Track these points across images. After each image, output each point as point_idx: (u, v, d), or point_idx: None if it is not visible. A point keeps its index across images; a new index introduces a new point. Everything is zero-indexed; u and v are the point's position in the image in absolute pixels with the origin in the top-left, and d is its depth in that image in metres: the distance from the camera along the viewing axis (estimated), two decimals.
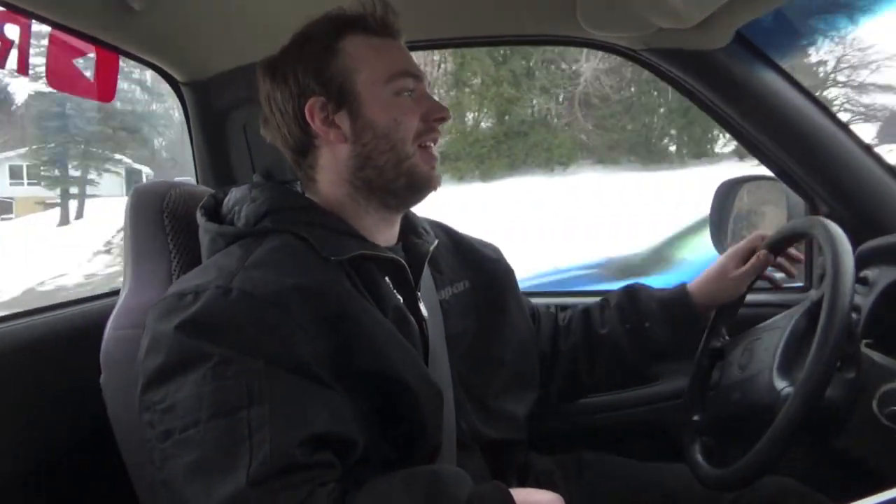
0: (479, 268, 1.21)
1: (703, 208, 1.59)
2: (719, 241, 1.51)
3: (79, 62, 1.12)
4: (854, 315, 1.20)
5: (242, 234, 0.94)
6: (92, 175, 16.81)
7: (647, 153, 16.78)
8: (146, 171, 17.14)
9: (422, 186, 1.01)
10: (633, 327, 1.21)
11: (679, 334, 1.20)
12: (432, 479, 0.80)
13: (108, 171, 17.03)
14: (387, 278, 0.99)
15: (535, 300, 1.35)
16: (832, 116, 1.30)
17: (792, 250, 1.22)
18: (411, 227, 1.12)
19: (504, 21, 1.31)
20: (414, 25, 1.04)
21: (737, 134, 1.35)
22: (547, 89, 16.67)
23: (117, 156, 16.89)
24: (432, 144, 1.02)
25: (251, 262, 0.87)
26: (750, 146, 1.35)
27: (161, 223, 1.06)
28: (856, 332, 0.96)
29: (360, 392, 0.86)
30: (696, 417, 1.12)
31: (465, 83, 16.01)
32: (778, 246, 1.18)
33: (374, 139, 0.97)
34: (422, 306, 1.04)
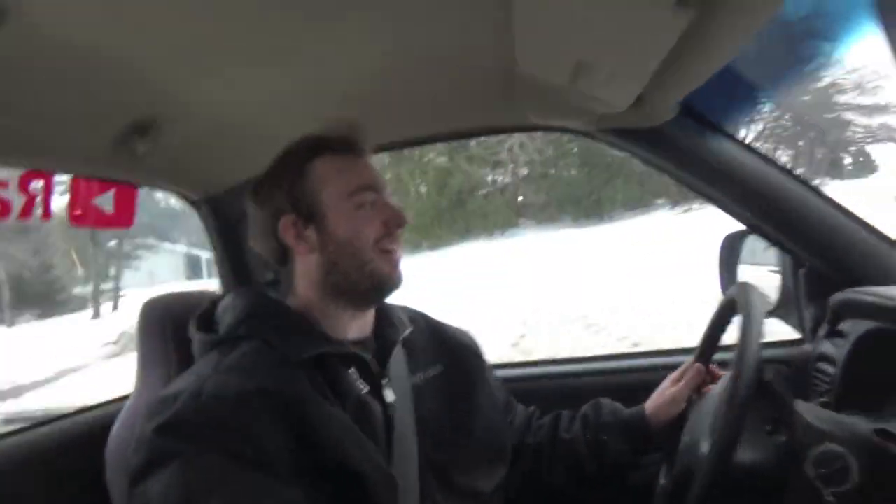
0: (451, 353, 1.31)
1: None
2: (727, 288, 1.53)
3: (98, 199, 1.33)
4: (829, 367, 1.21)
5: (219, 341, 1.08)
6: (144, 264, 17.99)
7: (579, 210, 17.45)
8: (205, 255, 18.04)
9: (384, 286, 1.14)
10: (592, 438, 1.29)
11: (634, 450, 1.27)
12: None
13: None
14: (352, 369, 1.10)
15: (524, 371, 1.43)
16: (792, 175, 1.33)
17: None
18: (385, 317, 1.24)
19: (458, 118, 1.44)
20: (378, 131, 1.19)
21: (704, 196, 1.39)
22: (476, 158, 17.33)
23: (167, 245, 18.07)
24: (393, 247, 1.14)
25: (223, 366, 1.01)
26: (721, 207, 1.39)
27: (164, 333, 1.22)
28: (786, 396, 0.98)
29: (319, 486, 0.95)
30: (662, 481, 1.16)
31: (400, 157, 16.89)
32: (705, 351, 1.24)
33: (337, 248, 1.11)
34: (386, 392, 1.13)
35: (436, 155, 17.12)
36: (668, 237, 13.16)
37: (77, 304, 18.51)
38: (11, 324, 17.35)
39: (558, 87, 1.16)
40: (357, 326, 1.17)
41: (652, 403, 1.28)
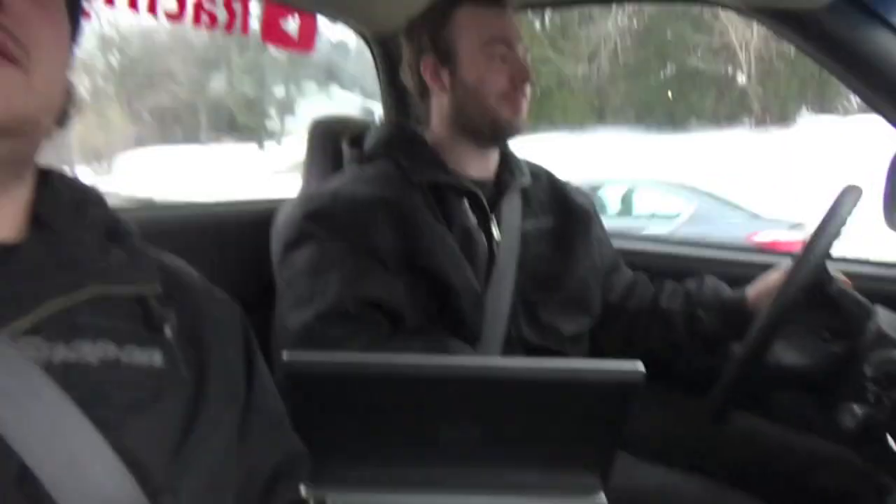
0: (565, 209, 1.43)
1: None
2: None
3: (286, 21, 1.56)
4: None
5: (361, 157, 1.32)
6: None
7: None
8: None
9: (504, 130, 1.29)
10: (688, 311, 1.35)
11: (728, 331, 1.29)
12: (443, 344, 1.13)
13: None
14: (465, 201, 1.29)
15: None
16: None
17: None
18: (507, 165, 1.39)
19: None
20: None
21: (859, 94, 1.32)
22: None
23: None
24: (521, 97, 1.27)
25: (358, 177, 1.26)
26: (872, 106, 1.32)
27: (325, 146, 1.48)
28: (859, 305, 0.99)
29: (418, 283, 1.18)
30: None
31: None
32: None
33: (465, 92, 1.27)
34: (494, 229, 1.31)
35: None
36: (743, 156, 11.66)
37: (246, 136, 20.52)
38: (206, 142, 19.96)
39: None
40: (479, 166, 1.34)
41: (754, 289, 1.30)
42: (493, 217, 1.31)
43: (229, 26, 1.41)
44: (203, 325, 0.66)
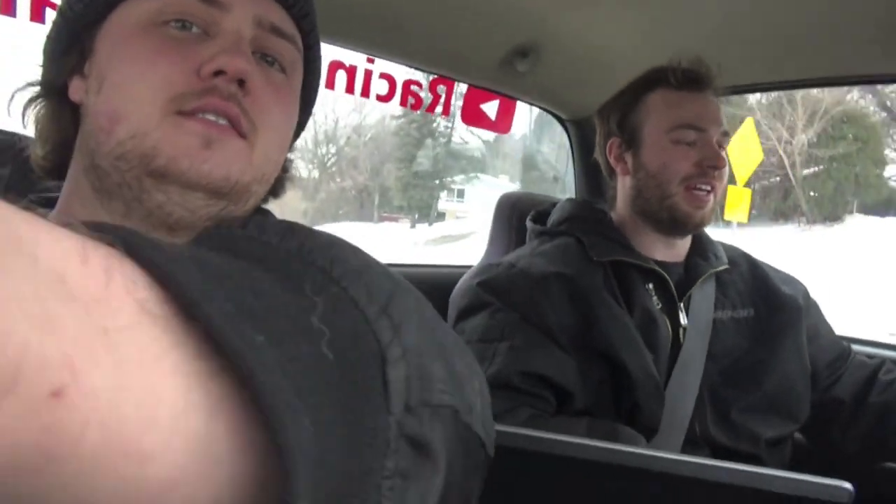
0: (767, 300, 1.30)
1: None
2: None
3: (486, 105, 1.65)
4: None
5: (542, 232, 1.32)
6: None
7: None
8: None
9: (683, 222, 1.22)
10: None
11: None
12: (611, 429, 1.03)
13: None
14: (650, 285, 1.22)
15: None
16: None
17: None
18: (700, 249, 1.31)
19: (828, 64, 1.32)
20: (732, 73, 1.23)
21: None
22: None
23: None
24: (704, 188, 1.20)
25: (538, 251, 1.25)
26: None
27: (510, 220, 1.51)
28: None
29: (591, 364, 1.13)
30: None
31: None
32: None
33: (646, 176, 1.24)
34: (681, 316, 1.22)
35: None
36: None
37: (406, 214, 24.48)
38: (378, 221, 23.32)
39: None
40: (665, 250, 1.27)
41: None
42: (680, 303, 1.22)
43: (431, 108, 1.51)
44: None
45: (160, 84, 0.56)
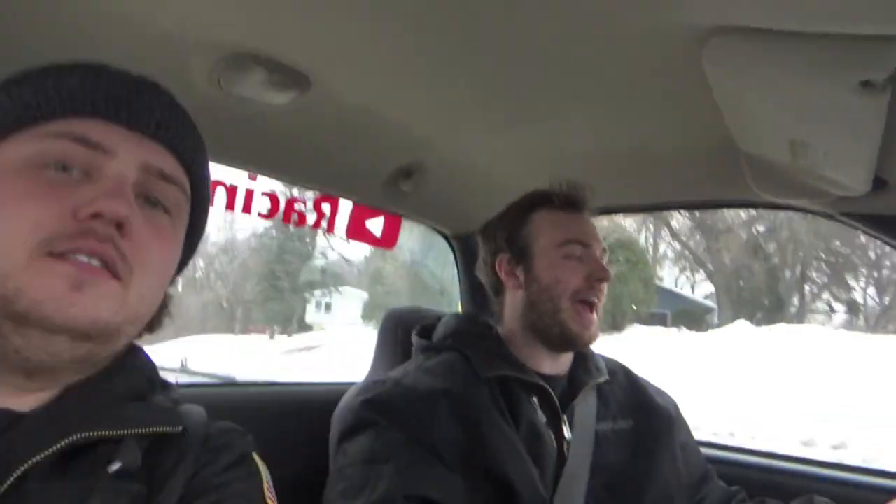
0: (644, 411, 1.34)
1: None
2: None
3: (371, 221, 1.66)
4: None
5: (428, 348, 1.30)
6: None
7: None
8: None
9: (572, 340, 1.25)
10: None
11: None
12: None
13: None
14: (534, 398, 1.22)
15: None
16: None
17: None
18: (582, 362, 1.33)
19: (683, 190, 1.47)
20: (603, 195, 1.31)
21: None
22: None
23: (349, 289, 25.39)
24: (593, 302, 1.24)
25: (423, 367, 1.22)
26: None
27: (396, 335, 1.49)
28: None
29: (477, 483, 1.09)
30: None
31: None
32: None
33: (539, 289, 1.26)
34: (565, 429, 1.22)
35: None
36: None
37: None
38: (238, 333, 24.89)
39: (783, 165, 1.15)
40: (551, 363, 1.29)
41: None
42: (564, 416, 1.23)
43: (316, 224, 1.51)
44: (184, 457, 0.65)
45: (28, 227, 0.56)
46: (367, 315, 24.81)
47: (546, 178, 1.32)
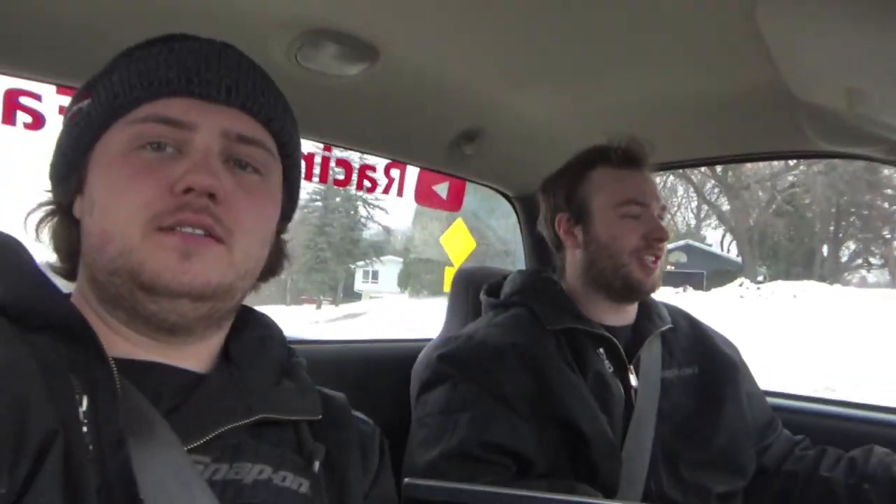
0: (709, 358, 1.38)
1: None
2: None
3: (438, 186, 1.75)
4: None
5: (497, 305, 1.38)
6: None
7: None
8: None
9: (636, 289, 1.30)
10: (854, 483, 1.23)
11: None
12: (570, 487, 1.08)
13: None
14: (601, 350, 1.28)
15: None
16: None
17: None
18: (646, 311, 1.39)
19: (741, 142, 1.48)
20: (664, 150, 1.35)
21: None
22: None
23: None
24: (651, 257, 1.29)
25: (493, 323, 1.31)
26: None
27: (466, 294, 1.58)
28: None
29: (548, 429, 1.17)
30: None
31: None
32: None
33: (597, 249, 1.32)
34: (632, 377, 1.29)
35: None
36: None
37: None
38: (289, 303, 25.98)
39: (841, 113, 1.16)
40: (615, 315, 1.35)
41: None
42: (630, 365, 1.29)
43: (387, 190, 1.60)
44: (347, 451, 0.77)
45: (138, 206, 0.64)
46: (401, 283, 25.68)
47: (605, 135, 1.36)
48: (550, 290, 1.38)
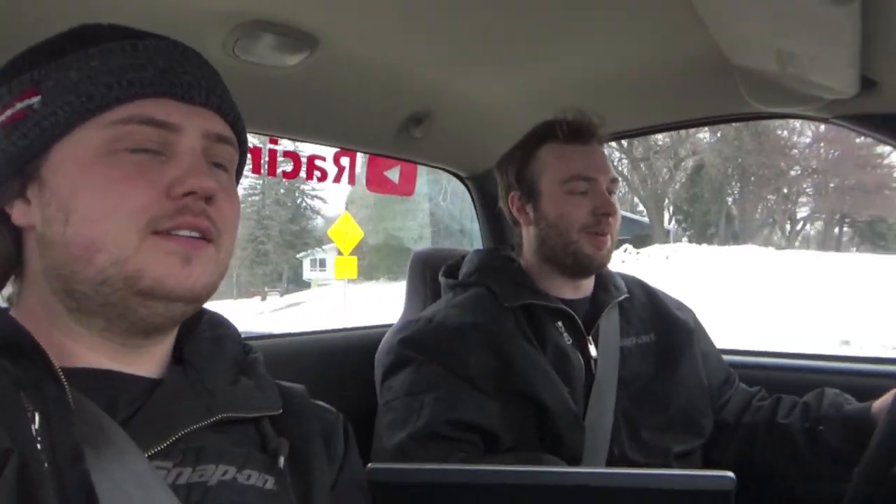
0: (665, 324, 1.42)
1: None
2: None
3: (389, 171, 1.74)
4: None
5: (455, 285, 1.39)
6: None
7: None
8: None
9: (586, 265, 1.33)
10: (809, 427, 1.27)
11: (851, 446, 1.18)
12: (535, 458, 1.11)
13: None
14: (559, 323, 1.31)
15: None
16: None
17: None
18: (602, 282, 1.42)
19: (683, 108, 1.52)
20: (611, 121, 1.37)
21: None
22: None
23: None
24: (601, 231, 1.30)
25: (452, 303, 1.32)
26: None
27: (424, 276, 1.58)
28: None
29: (512, 404, 1.20)
30: None
31: None
32: None
33: (547, 226, 1.33)
34: (591, 348, 1.31)
35: None
36: None
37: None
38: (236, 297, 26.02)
39: (774, 75, 1.20)
40: (571, 289, 1.38)
41: (880, 403, 1.20)
42: (589, 336, 1.32)
43: (338, 178, 1.59)
44: (311, 442, 0.76)
45: (132, 211, 0.62)
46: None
47: (552, 110, 1.36)
48: (507, 267, 1.39)
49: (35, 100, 0.64)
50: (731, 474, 0.65)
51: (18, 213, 0.66)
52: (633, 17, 1.15)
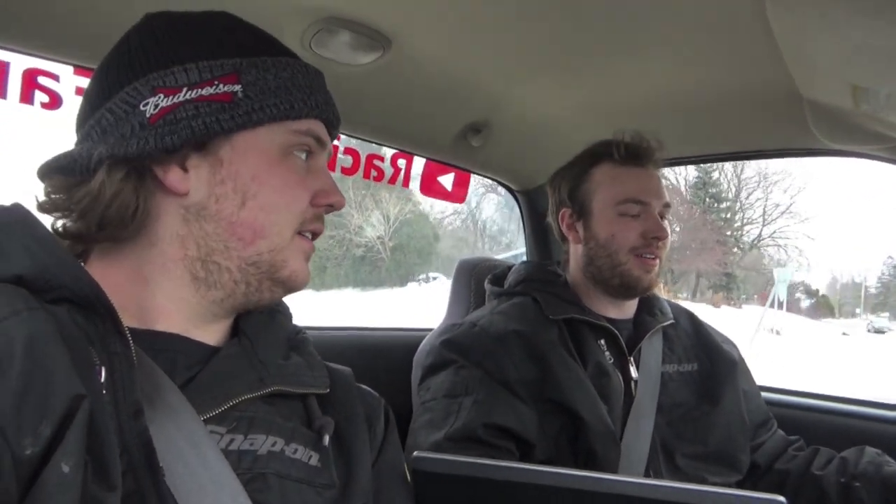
0: (709, 355, 1.40)
1: None
2: None
3: (443, 177, 1.76)
4: None
5: (501, 293, 1.40)
6: None
7: None
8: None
9: (633, 286, 1.32)
10: (845, 482, 1.24)
11: None
12: None
13: None
14: (602, 341, 1.30)
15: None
16: None
17: None
18: (647, 306, 1.41)
19: (747, 140, 1.50)
20: (670, 146, 1.37)
21: None
22: None
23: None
24: (649, 256, 1.31)
25: (496, 310, 1.33)
26: None
27: (469, 283, 1.59)
28: None
29: (549, 415, 1.19)
30: None
31: None
32: None
33: (596, 246, 1.34)
34: (632, 369, 1.30)
35: None
36: None
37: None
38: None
39: (847, 111, 1.18)
40: (615, 309, 1.37)
41: None
42: (630, 357, 1.31)
43: (392, 180, 1.62)
44: (355, 423, 0.79)
45: (296, 213, 0.73)
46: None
47: (609, 130, 1.37)
48: (554, 281, 1.40)
49: (237, 87, 0.69)
50: (782, 498, 0.63)
51: (175, 179, 0.68)
52: (704, 39, 1.15)
